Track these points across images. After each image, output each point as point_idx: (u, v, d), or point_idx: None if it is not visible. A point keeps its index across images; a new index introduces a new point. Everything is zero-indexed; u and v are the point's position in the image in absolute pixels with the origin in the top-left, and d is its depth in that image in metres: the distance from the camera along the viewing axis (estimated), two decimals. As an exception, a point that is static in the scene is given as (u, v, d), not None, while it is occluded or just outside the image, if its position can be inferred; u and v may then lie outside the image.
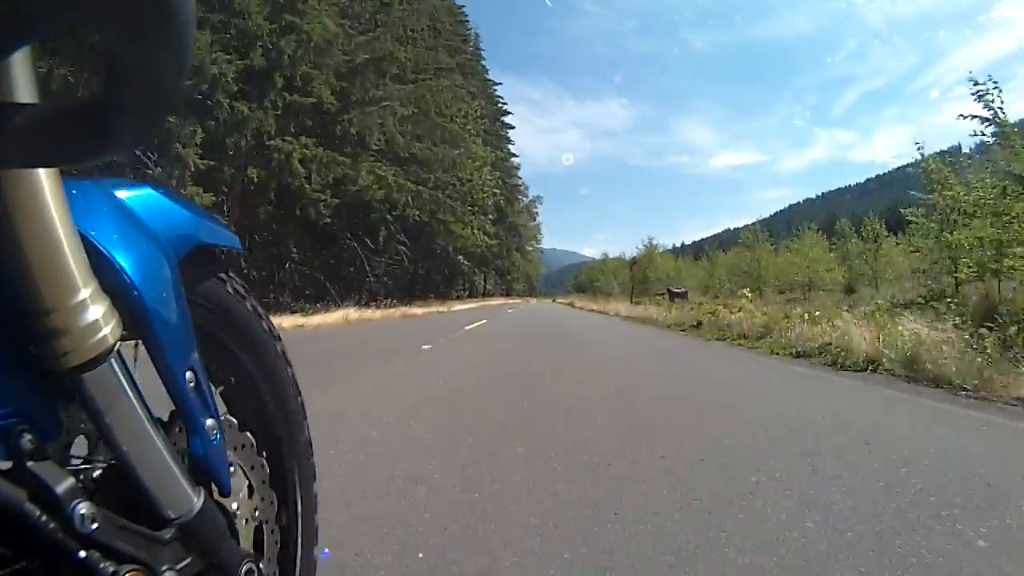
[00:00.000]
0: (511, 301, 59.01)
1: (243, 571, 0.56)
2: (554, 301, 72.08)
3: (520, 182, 66.32)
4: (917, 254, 12.34)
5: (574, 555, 1.38)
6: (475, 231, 29.51)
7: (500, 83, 59.96)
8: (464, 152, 26.10)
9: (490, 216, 35.51)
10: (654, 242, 44.24)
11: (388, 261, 23.97)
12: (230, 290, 0.66)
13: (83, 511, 0.40)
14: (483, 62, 53.64)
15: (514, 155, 63.37)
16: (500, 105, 58.93)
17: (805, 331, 6.80)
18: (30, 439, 0.40)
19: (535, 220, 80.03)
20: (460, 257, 32.10)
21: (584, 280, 79.28)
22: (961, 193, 9.49)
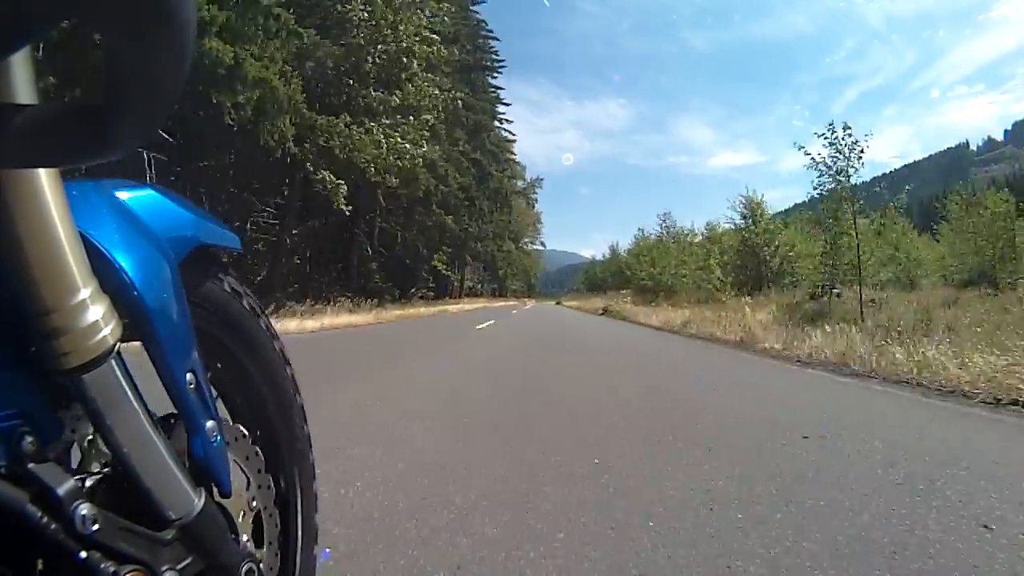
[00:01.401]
0: (496, 305, 39.21)
1: (243, 571, 0.56)
2: (558, 303, 56.34)
3: (514, 155, 50.73)
4: None
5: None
6: (386, 132, 14.45)
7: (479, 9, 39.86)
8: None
9: (428, 120, 17.26)
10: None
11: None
12: (230, 291, 0.66)
13: (84, 512, 0.40)
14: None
15: (505, 103, 46.07)
16: (487, 44, 41.13)
17: None
18: (31, 441, 0.39)
19: (534, 207, 65.01)
20: (329, 177, 13.61)
21: (599, 276, 57.68)
22: None
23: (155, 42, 0.28)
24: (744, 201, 21.39)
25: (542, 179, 66.82)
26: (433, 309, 23.16)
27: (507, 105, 47.64)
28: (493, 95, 43.89)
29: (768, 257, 19.04)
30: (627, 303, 23.49)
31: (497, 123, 45.76)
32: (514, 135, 50.45)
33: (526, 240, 66.74)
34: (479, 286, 55.48)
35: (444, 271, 33.09)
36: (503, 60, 43.95)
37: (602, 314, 22.50)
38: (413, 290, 27.26)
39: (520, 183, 57.14)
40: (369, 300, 18.10)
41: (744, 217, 21.15)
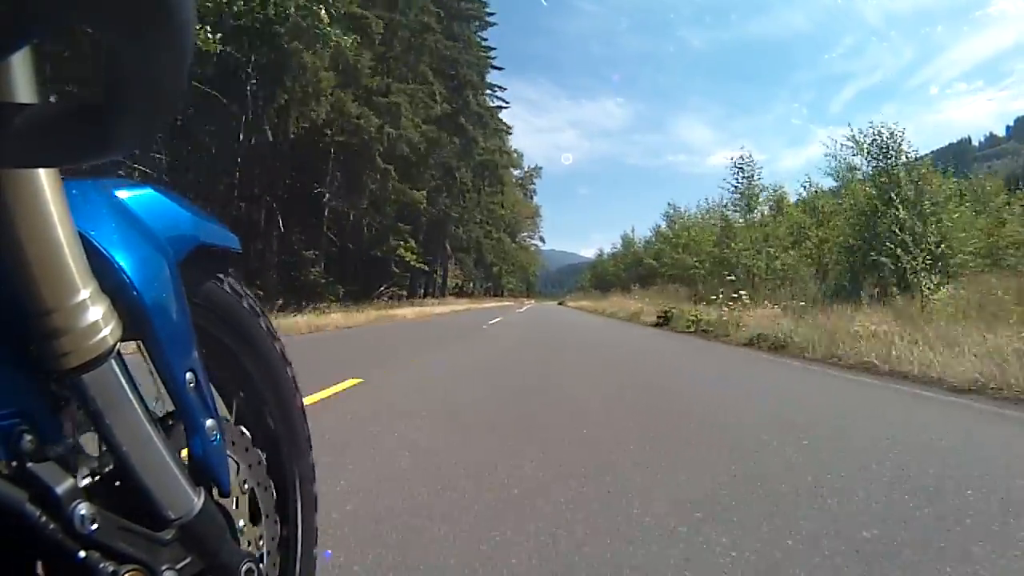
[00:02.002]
0: (482, 306, 31.06)
1: (243, 571, 0.56)
2: (561, 304, 47.99)
3: (508, 130, 41.81)
4: None
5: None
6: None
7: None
8: None
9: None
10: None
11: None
12: (229, 290, 0.67)
13: (83, 512, 0.40)
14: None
15: (497, 67, 37.67)
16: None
17: None
18: (30, 440, 0.40)
19: (532, 199, 57.96)
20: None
21: (609, 271, 46.97)
22: None
23: (155, 42, 0.28)
24: (855, 142, 11.71)
25: (540, 167, 59.61)
26: (372, 315, 14.36)
27: (500, 69, 38.47)
28: (483, 54, 35.39)
29: (915, 224, 10.25)
30: (736, 303, 10.52)
31: (489, 91, 37.53)
32: (507, 103, 40.53)
33: (524, 234, 59.09)
34: (471, 285, 46.41)
35: (416, 264, 24.76)
36: (493, 12, 35.77)
37: (660, 324, 12.35)
38: (383, 288, 20.40)
39: (517, 172, 49.83)
40: (286, 302, 12.87)
41: (854, 168, 11.90)
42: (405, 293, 25.13)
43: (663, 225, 30.95)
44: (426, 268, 27.76)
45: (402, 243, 23.32)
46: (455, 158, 27.99)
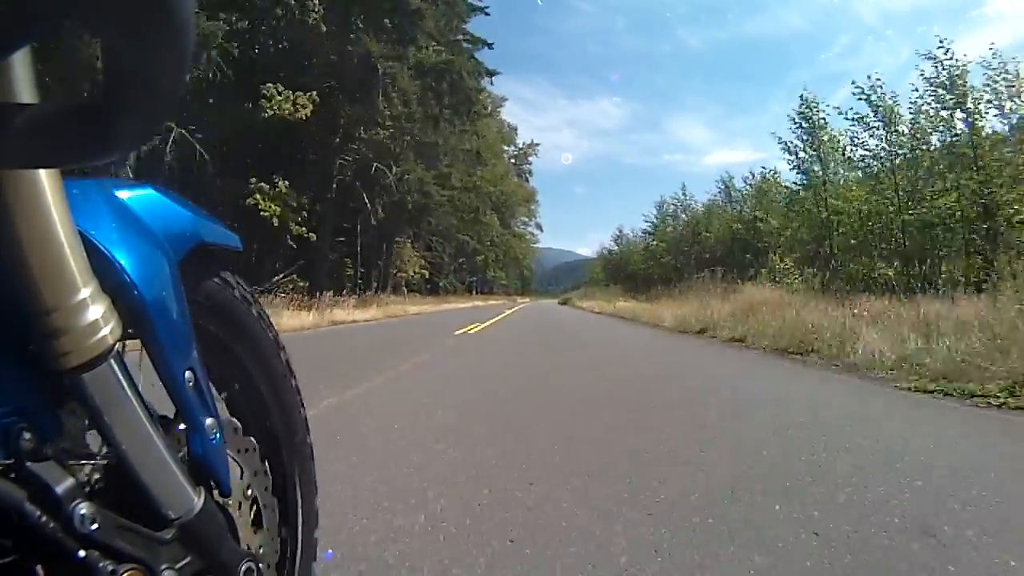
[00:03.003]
0: (429, 310, 20.49)
1: (243, 570, 0.56)
2: (565, 303, 38.25)
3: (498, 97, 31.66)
4: None
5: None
6: None
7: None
8: None
9: None
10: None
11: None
12: (229, 289, 0.66)
13: (83, 511, 0.40)
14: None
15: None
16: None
17: None
18: (29, 439, 0.40)
19: (527, 180, 47.94)
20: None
21: (636, 258, 31.39)
22: None
23: (155, 42, 0.28)
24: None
25: (538, 144, 48.79)
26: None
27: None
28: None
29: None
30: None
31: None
32: (488, 12, 20.92)
33: (522, 219, 48.48)
34: (449, 280, 33.53)
35: (294, 227, 14.27)
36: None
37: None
38: (280, 278, 13.49)
39: (510, 148, 40.80)
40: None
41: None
42: (308, 286, 14.49)
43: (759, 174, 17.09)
44: (315, 238, 15.01)
45: (254, 181, 12.55)
46: (381, 45, 14.83)
